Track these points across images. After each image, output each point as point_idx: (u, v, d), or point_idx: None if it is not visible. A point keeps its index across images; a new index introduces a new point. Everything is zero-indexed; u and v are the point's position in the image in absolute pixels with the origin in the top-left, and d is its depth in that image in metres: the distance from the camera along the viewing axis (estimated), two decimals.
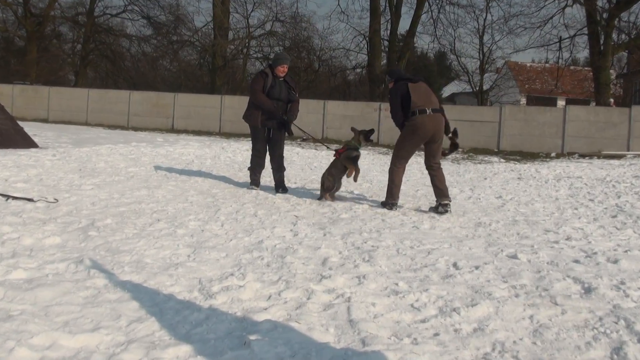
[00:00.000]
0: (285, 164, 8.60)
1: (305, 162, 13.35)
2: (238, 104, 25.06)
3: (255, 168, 8.39)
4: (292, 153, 15.31)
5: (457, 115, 22.45)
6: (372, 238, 5.46)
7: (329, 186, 7.60)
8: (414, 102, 6.88)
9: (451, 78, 44.98)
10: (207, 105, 26.08)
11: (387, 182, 7.41)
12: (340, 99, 35.40)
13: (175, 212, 6.36)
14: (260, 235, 5.41)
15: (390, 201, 7.06)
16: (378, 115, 23.25)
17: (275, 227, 5.76)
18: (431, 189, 9.19)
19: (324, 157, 14.89)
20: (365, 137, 7.65)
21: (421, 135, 6.90)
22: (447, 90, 48.34)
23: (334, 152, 7.96)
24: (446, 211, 6.87)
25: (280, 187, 8.28)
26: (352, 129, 7.75)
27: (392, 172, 7.12)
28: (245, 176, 9.86)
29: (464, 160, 16.61)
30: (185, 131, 25.28)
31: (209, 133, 24.71)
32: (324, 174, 7.74)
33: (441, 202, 6.98)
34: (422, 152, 7.47)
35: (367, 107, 23.86)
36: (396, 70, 7.47)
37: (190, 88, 38.25)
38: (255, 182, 8.42)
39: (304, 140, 22.19)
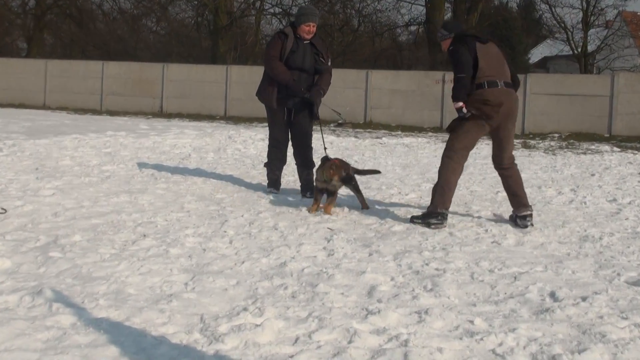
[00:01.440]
0: (314, 158, 8.64)
1: (342, 155, 13.37)
2: (249, 76, 25.23)
3: (274, 164, 8.47)
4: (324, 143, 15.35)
5: (551, 87, 22.25)
6: (436, 258, 5.44)
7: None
8: (482, 68, 6.73)
9: (542, 37, 44.54)
10: (208, 80, 26.34)
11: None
12: (389, 68, 35.34)
13: (166, 225, 6.42)
14: (282, 255, 5.44)
15: (439, 210, 6.70)
16: (441, 90, 23.19)
17: (303, 244, 5.78)
18: None
19: (368, 148, 14.90)
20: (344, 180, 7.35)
21: (489, 117, 6.74)
22: (536, 54, 47.91)
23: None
24: (526, 226, 6.76)
25: (308, 189, 8.32)
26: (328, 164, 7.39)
27: (446, 167, 6.82)
28: (260, 175, 9.92)
29: (562, 150, 16.42)
30: (179, 115, 25.57)
31: (210, 117, 24.97)
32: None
33: (518, 214, 6.87)
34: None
35: (426, 79, 23.80)
36: (455, 23, 7.33)
37: (185, 57, 38.62)
38: (274, 183, 8.50)
39: (339, 124, 22.22)
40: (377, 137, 18.26)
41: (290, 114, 8.25)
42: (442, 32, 7.12)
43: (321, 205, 7.38)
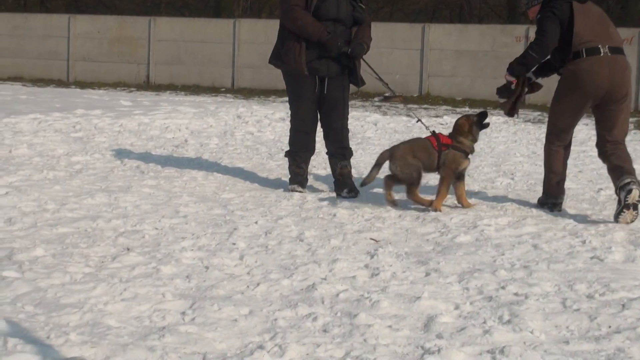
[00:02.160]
0: (351, 144, 8.68)
1: (390, 140, 13.36)
2: (265, 34, 25.25)
3: (299, 154, 8.54)
4: (365, 123, 15.44)
5: None
6: (515, 280, 5.46)
7: (411, 179, 7.80)
8: (578, 33, 7.19)
9: None
10: (209, 39, 26.41)
11: (542, 173, 8.02)
12: (454, 21, 35.17)
13: (157, 234, 6.52)
14: (310, 275, 5.50)
15: (551, 200, 7.79)
16: (523, 49, 23.01)
17: (338, 260, 5.83)
18: None
19: (424, 131, 14.87)
20: (480, 125, 7.98)
21: (589, 92, 7.30)
22: None
23: (431, 132, 8.09)
24: (630, 192, 7.07)
25: (344, 186, 8.39)
26: (458, 123, 7.95)
27: (548, 154, 7.81)
28: (280, 168, 10.00)
29: None
30: (171, 87, 25.72)
31: (213, 90, 25.05)
32: (395, 152, 7.95)
33: (620, 185, 7.21)
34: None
35: (504, 35, 23.67)
36: None
37: (178, 7, 38.76)
38: (298, 178, 8.57)
39: (385, 98, 22.20)
40: (438, 116, 18.23)
41: (323, 83, 8.33)
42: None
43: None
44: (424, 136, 8.15)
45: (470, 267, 5.75)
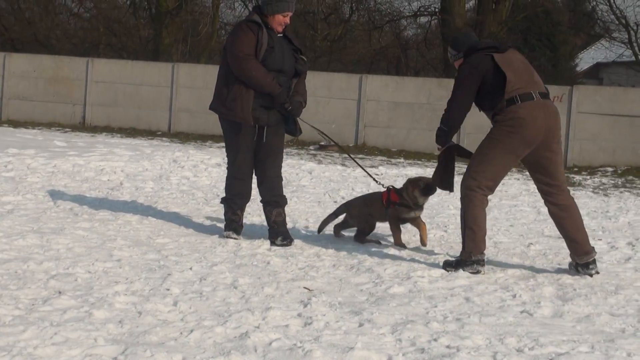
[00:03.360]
0: (286, 192, 8.70)
1: (325, 189, 13.43)
2: (203, 79, 25.32)
3: (235, 200, 8.56)
4: (301, 172, 15.50)
5: (605, 105, 22.42)
6: (447, 332, 5.50)
7: (366, 228, 8.78)
8: (510, 81, 7.26)
9: (595, 36, 44.96)
10: (147, 83, 26.36)
11: (460, 226, 7.73)
12: (391, 72, 35.54)
13: (89, 278, 6.46)
14: (243, 323, 5.48)
15: (474, 257, 7.41)
16: None
17: (271, 308, 5.82)
18: (554, 241, 9.25)
19: (359, 181, 14.97)
20: (424, 193, 8.54)
21: (528, 137, 7.26)
22: (586, 59, 48.37)
23: (383, 189, 8.84)
24: (591, 274, 7.43)
25: (278, 234, 8.42)
26: (405, 185, 8.63)
27: (468, 202, 7.44)
28: (216, 214, 10.00)
29: (617, 189, 16.60)
30: (107, 129, 25.59)
31: (149, 133, 24.98)
32: (352, 205, 8.96)
33: (580, 262, 7.53)
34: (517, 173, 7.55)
35: (439, 89, 23.97)
36: (465, 37, 7.85)
37: (117, 50, 38.67)
38: (233, 225, 8.57)
39: (321, 146, 22.31)
40: (372, 166, 18.35)
41: (262, 132, 8.35)
42: (450, 51, 7.87)
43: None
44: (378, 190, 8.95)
45: (403, 318, 5.77)
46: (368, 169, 16.88)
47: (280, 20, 8.23)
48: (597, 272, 7.48)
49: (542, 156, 7.40)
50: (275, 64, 8.19)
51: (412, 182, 8.53)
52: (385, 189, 8.68)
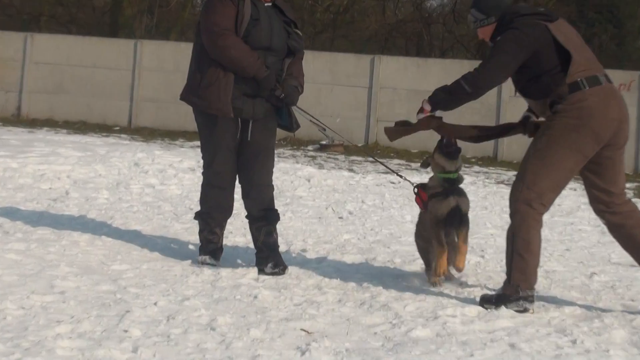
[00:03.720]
0: (278, 205, 8.64)
1: (327, 200, 13.39)
2: (173, 60, 25.37)
3: (212, 214, 8.52)
4: (296, 179, 15.46)
5: None
6: None
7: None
8: (576, 61, 7.09)
9: None
10: (102, 64, 26.43)
11: (505, 250, 7.53)
12: (411, 53, 35.54)
13: (23, 315, 6.38)
14: None
15: (522, 292, 7.25)
16: (497, 92, 23.34)
17: (259, 356, 5.77)
18: (624, 271, 9.24)
19: (370, 190, 14.92)
20: (442, 151, 8.24)
21: (598, 133, 7.09)
22: None
23: (414, 193, 8.44)
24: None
25: (268, 259, 8.36)
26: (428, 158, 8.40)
27: (521, 221, 7.27)
28: (188, 233, 9.94)
29: None
30: (50, 122, 25.65)
31: (104, 128, 25.04)
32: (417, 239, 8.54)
33: None
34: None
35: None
36: None
37: (64, 23, 38.75)
38: (211, 247, 8.55)
39: (322, 146, 22.26)
40: (387, 172, 18.32)
41: (247, 127, 8.31)
42: (475, 14, 7.67)
43: None
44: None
45: None
46: (381, 175, 16.87)
47: None
48: None
49: (606, 156, 7.23)
50: (262, 39, 8.14)
51: (432, 153, 8.26)
52: (414, 190, 8.31)
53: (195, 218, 8.73)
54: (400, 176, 9.07)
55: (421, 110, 8.03)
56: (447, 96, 7.75)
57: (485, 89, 7.53)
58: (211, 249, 8.51)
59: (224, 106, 8.11)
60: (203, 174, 8.59)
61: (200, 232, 8.58)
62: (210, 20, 8.15)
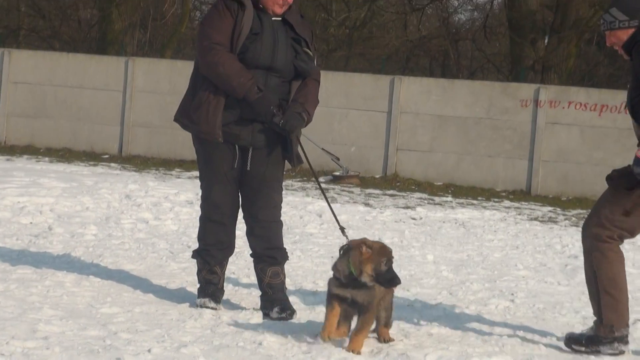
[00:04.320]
0: (286, 243, 8.66)
1: (341, 238, 13.35)
2: (169, 80, 25.37)
3: (211, 252, 8.50)
4: (306, 213, 15.50)
5: None
6: None
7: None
8: None
9: None
10: (89, 85, 26.38)
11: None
12: (435, 74, 35.50)
13: None
14: None
15: (617, 332, 7.37)
16: (532, 117, 23.32)
17: None
18: None
19: (389, 227, 14.95)
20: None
21: None
22: None
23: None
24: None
25: (275, 303, 8.38)
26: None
27: (604, 259, 7.39)
28: (185, 273, 9.98)
29: None
30: (31, 149, 25.59)
31: (92, 156, 24.97)
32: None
33: None
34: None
35: (504, 97, 23.97)
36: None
37: (46, 38, 38.75)
38: (210, 289, 8.53)
39: (336, 177, 22.28)
40: (408, 207, 18.35)
41: (246, 156, 8.30)
42: (614, 13, 7.53)
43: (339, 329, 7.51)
44: None
45: None
46: (401, 210, 16.91)
47: None
48: None
49: None
50: (261, 57, 8.13)
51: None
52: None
53: (193, 256, 8.70)
54: (342, 229, 8.56)
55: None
56: None
57: None
58: (211, 290, 8.47)
59: (212, 129, 8.08)
60: (201, 206, 8.58)
61: (199, 272, 8.56)
62: (203, 33, 8.19)
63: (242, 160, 8.30)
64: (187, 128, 8.37)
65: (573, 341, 7.46)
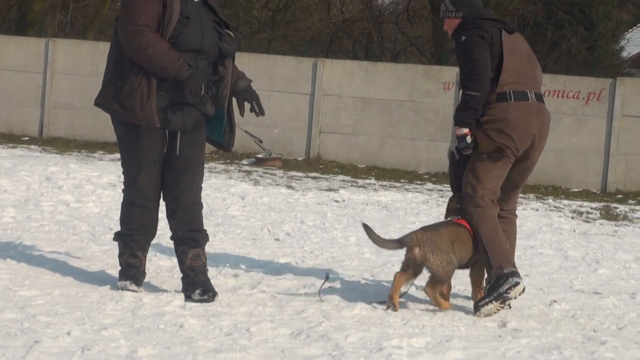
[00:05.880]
0: (208, 225, 8.65)
1: (263, 220, 13.43)
2: (91, 62, 25.24)
3: (134, 236, 8.50)
4: (229, 196, 15.51)
5: None
6: None
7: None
8: (507, 70, 8.52)
9: None
10: (7, 66, 26.22)
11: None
12: (358, 57, 35.60)
13: None
14: None
15: (507, 270, 8.38)
16: (454, 101, 23.38)
17: None
18: (587, 298, 9.44)
19: (311, 210, 14.98)
20: None
21: (517, 146, 8.53)
22: (635, 40, 48.69)
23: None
24: (516, 285, 8.36)
25: (196, 285, 8.40)
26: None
27: (479, 219, 8.60)
28: (107, 255, 9.98)
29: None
30: None
31: (10, 138, 24.81)
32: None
33: (506, 271, 8.42)
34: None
35: (427, 80, 24.05)
36: None
37: None
38: (132, 272, 8.52)
39: (258, 160, 22.29)
40: (331, 189, 18.39)
41: (175, 140, 8.29)
42: (447, 5, 8.90)
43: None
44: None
45: None
46: (324, 193, 16.95)
47: None
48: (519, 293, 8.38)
49: (518, 167, 8.77)
50: (193, 40, 8.14)
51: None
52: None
53: (114, 239, 8.64)
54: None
55: (462, 137, 8.57)
56: (467, 111, 8.52)
57: (487, 86, 8.45)
58: (133, 273, 8.45)
59: (148, 115, 8.02)
60: (124, 191, 8.53)
61: (121, 255, 8.52)
62: (128, 16, 8.06)
63: (170, 145, 8.29)
64: (115, 113, 8.25)
65: (479, 303, 8.29)
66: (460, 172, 8.83)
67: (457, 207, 8.88)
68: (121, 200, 8.66)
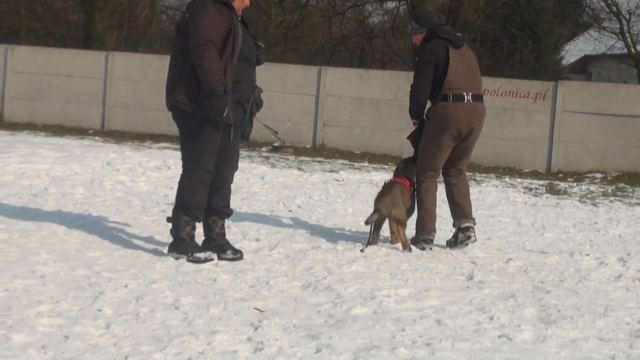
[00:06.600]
0: (235, 200, 8.62)
1: (279, 195, 13.41)
2: (141, 71, 25.15)
3: (200, 211, 8.26)
4: (252, 176, 15.50)
5: (593, 103, 22.39)
6: (416, 359, 5.50)
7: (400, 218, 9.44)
8: (449, 80, 9.21)
9: (582, 26, 45.25)
10: (77, 74, 26.12)
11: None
12: (354, 65, 35.51)
13: (7, 297, 6.41)
14: (185, 348, 5.46)
15: (424, 237, 9.48)
16: None
17: (217, 332, 5.82)
18: (535, 257, 9.38)
19: (317, 187, 14.96)
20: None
21: (452, 134, 9.29)
22: (572, 51, 48.66)
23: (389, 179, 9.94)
24: (469, 237, 9.39)
25: (225, 247, 8.40)
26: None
27: (424, 193, 9.46)
28: (155, 224, 9.98)
29: (607, 198, 16.68)
30: (29, 126, 25.32)
31: (79, 131, 24.75)
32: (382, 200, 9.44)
33: (460, 226, 9.47)
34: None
35: (408, 83, 23.75)
36: (427, 15, 9.79)
37: (41, 36, 38.35)
38: (212, 245, 8.36)
39: (274, 148, 22.29)
40: (333, 170, 18.36)
41: (230, 132, 8.23)
42: (413, 24, 9.64)
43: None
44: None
45: (366, 343, 5.78)
46: (327, 174, 16.90)
47: (246, 0, 8.21)
48: (475, 240, 9.45)
49: (461, 145, 9.45)
50: (249, 52, 8.19)
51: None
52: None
53: (168, 220, 8.42)
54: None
55: (414, 124, 9.82)
56: (414, 107, 9.65)
57: (425, 98, 9.53)
58: (212, 245, 8.34)
59: (223, 114, 7.87)
60: (191, 175, 8.20)
61: (182, 229, 8.20)
62: (196, 31, 7.85)
63: (228, 135, 8.24)
64: (193, 111, 8.00)
65: (412, 241, 9.46)
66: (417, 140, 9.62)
67: (402, 169, 9.75)
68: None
